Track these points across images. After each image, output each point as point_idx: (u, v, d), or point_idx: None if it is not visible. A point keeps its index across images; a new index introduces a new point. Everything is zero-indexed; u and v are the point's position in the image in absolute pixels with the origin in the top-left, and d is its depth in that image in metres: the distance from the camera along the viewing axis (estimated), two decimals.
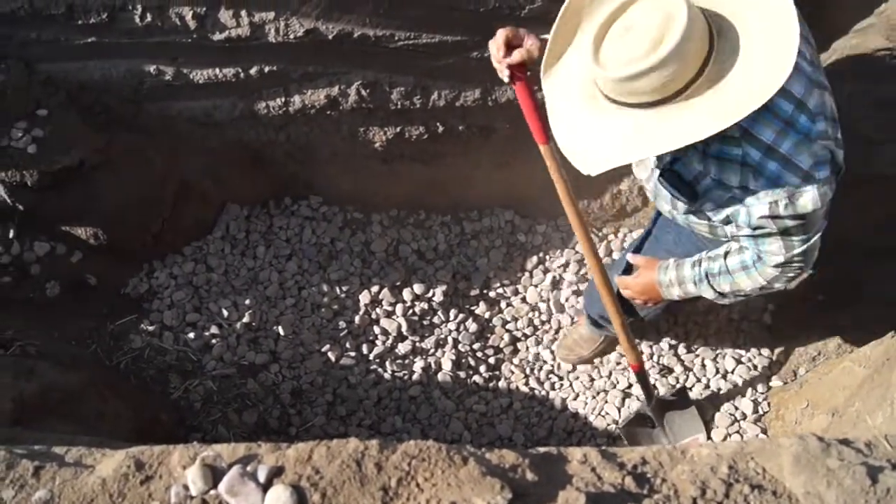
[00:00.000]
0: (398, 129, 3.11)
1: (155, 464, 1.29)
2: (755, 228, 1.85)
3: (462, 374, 3.29)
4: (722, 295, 2.16)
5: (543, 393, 3.28)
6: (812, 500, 1.21)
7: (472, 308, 3.46)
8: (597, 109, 1.70)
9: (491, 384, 3.31)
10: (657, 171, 1.98)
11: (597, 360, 3.33)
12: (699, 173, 1.86)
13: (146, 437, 2.63)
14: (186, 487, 1.21)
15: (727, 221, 1.93)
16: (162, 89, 2.89)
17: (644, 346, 3.31)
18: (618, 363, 3.29)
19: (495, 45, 1.98)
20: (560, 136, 1.80)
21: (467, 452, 1.25)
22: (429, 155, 3.19)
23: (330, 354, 3.22)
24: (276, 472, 1.23)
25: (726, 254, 2.09)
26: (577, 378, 3.30)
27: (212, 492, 1.20)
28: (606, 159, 1.67)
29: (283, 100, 2.96)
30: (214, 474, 1.22)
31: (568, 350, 3.29)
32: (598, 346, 3.25)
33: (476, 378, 3.30)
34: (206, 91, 2.92)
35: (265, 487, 1.20)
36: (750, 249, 2.00)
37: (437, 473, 1.21)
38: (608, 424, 3.14)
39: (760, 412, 3.07)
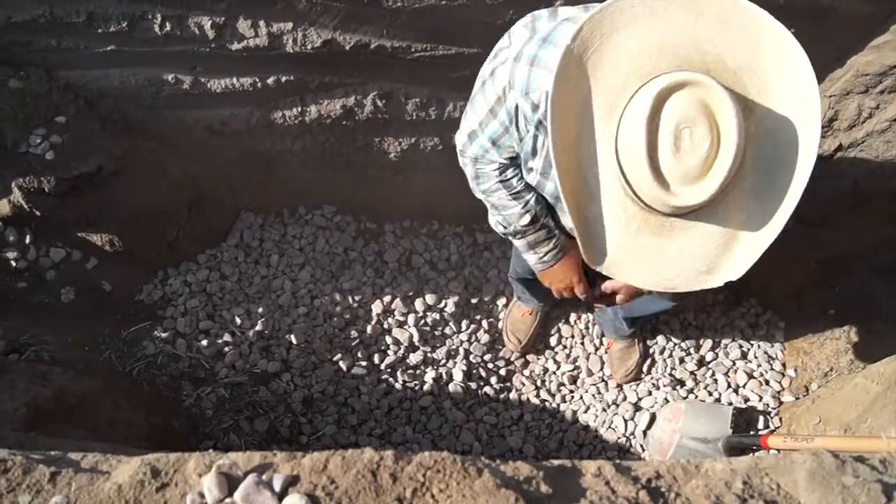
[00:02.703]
0: (413, 140, 3.12)
1: (171, 471, 1.29)
2: None
3: (473, 385, 3.29)
4: None
5: (554, 405, 3.28)
6: None
7: (484, 319, 3.46)
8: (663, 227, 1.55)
9: (502, 395, 3.31)
10: None
11: (607, 373, 3.33)
12: None
13: (158, 444, 2.64)
14: (202, 495, 1.21)
15: None
16: (180, 98, 2.91)
17: (657, 358, 3.32)
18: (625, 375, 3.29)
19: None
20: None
21: (482, 464, 1.25)
22: (443, 166, 3.19)
23: (341, 364, 3.22)
24: (292, 482, 1.23)
25: None
26: (587, 391, 3.31)
27: (227, 500, 1.20)
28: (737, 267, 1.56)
29: (299, 109, 2.97)
30: (230, 482, 1.22)
31: (626, 369, 3.30)
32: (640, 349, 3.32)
33: (487, 389, 3.30)
34: (223, 100, 2.93)
35: (280, 496, 1.20)
36: None
37: (451, 485, 1.20)
38: (618, 437, 3.14)
39: (772, 427, 3.06)
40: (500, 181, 2.02)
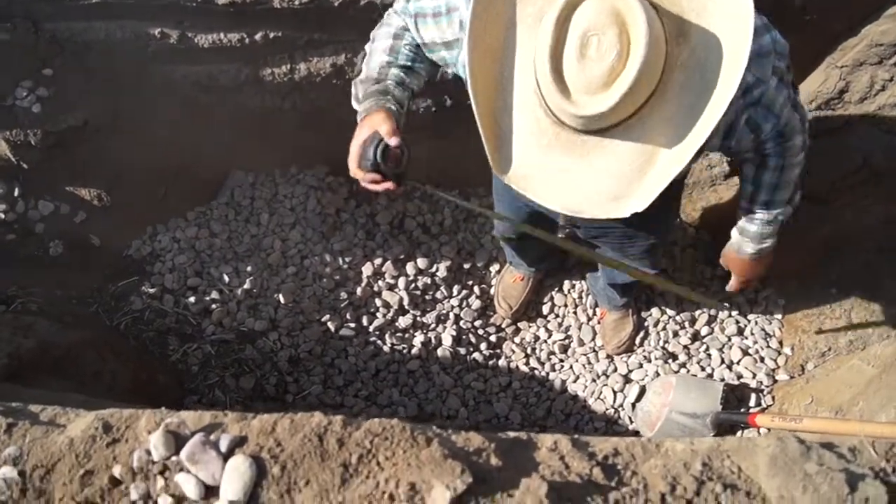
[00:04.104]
0: None
1: (122, 427, 1.29)
2: (777, 123, 1.77)
3: (462, 351, 3.27)
4: (791, 203, 2.06)
5: (543, 374, 3.26)
6: None
7: (476, 285, 3.43)
8: (572, 144, 1.51)
9: (490, 362, 3.29)
10: None
11: (598, 343, 3.30)
12: None
13: (143, 398, 2.65)
14: (149, 452, 1.21)
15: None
16: (167, 52, 2.85)
17: (651, 331, 3.28)
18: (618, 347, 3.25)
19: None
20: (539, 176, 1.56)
21: (432, 433, 1.23)
22: (437, 128, 3.16)
23: (329, 324, 3.21)
24: (239, 443, 1.22)
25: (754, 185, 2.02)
26: (578, 360, 3.28)
27: (173, 458, 1.20)
28: (647, 194, 1.49)
29: (288, 66, 2.92)
30: (177, 441, 1.22)
31: (619, 340, 3.27)
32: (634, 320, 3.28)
33: (476, 355, 3.28)
34: (210, 55, 2.88)
35: (226, 457, 1.19)
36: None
37: (398, 453, 1.19)
38: (607, 409, 3.12)
39: (763, 405, 3.02)
40: (394, 36, 1.90)
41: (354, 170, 1.78)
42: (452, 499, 1.12)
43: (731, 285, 2.40)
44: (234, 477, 1.16)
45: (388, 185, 1.76)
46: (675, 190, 2.38)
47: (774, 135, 1.82)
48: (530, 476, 1.20)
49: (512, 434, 1.32)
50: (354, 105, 1.93)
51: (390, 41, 1.90)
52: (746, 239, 2.16)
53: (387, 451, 1.19)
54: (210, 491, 1.17)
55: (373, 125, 1.75)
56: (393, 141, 1.70)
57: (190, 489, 1.17)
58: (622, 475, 1.23)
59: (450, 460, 1.17)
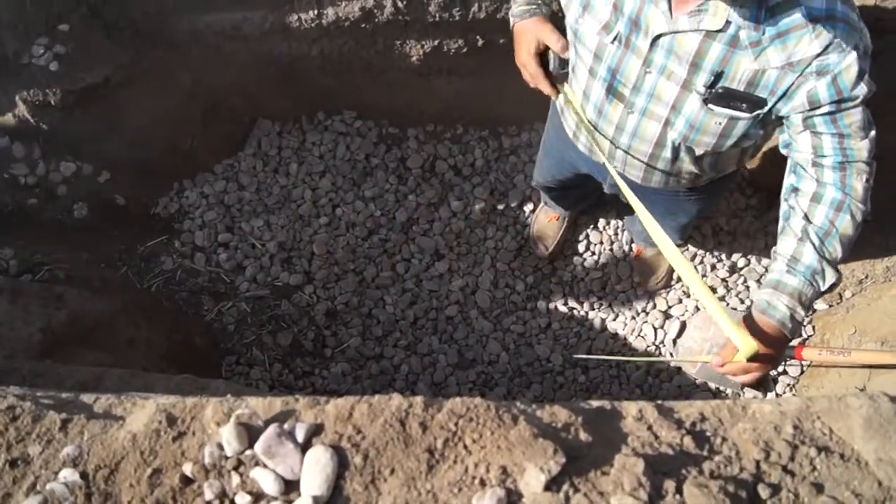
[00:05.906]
0: (436, 43, 2.97)
1: (188, 418, 1.22)
2: (840, 100, 1.59)
3: (500, 294, 3.22)
4: (835, 268, 1.73)
5: (583, 313, 3.21)
6: (885, 467, 1.13)
7: (511, 225, 3.36)
8: None
9: (529, 304, 3.23)
10: (697, 100, 1.73)
11: (636, 280, 3.24)
12: (755, 73, 1.60)
13: (179, 363, 2.61)
14: (221, 447, 1.15)
15: (783, 114, 1.67)
16: (189, 2, 2.76)
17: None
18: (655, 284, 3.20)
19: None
20: None
21: (517, 410, 1.18)
22: (467, 69, 3.07)
23: (365, 274, 3.16)
24: (315, 431, 1.16)
25: (805, 216, 1.74)
26: (616, 298, 3.23)
27: (247, 452, 1.14)
28: None
29: (315, 12, 2.81)
30: (250, 433, 1.16)
31: (656, 277, 3.20)
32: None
33: (514, 297, 3.22)
34: (235, 3, 2.78)
35: (304, 448, 1.14)
36: (825, 173, 1.72)
37: (485, 434, 1.14)
38: (648, 346, 3.08)
39: (805, 336, 2.98)
40: None
41: (526, 57, 1.98)
42: (547, 481, 1.07)
43: (746, 376, 1.76)
44: (315, 470, 1.10)
45: (550, 89, 2.01)
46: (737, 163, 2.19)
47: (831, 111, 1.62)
48: (622, 450, 1.15)
49: (595, 403, 1.27)
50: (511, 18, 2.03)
51: None
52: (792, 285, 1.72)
53: (473, 434, 1.14)
54: (290, 485, 1.11)
55: (537, 32, 1.93)
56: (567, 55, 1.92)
57: (268, 485, 1.11)
58: (712, 442, 1.19)
59: (540, 440, 1.12)
